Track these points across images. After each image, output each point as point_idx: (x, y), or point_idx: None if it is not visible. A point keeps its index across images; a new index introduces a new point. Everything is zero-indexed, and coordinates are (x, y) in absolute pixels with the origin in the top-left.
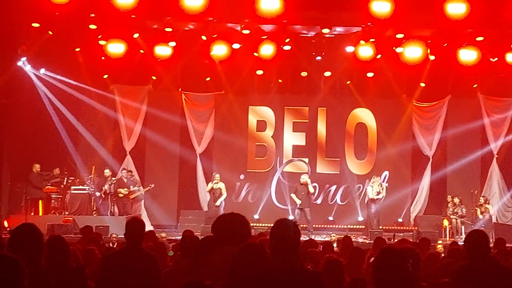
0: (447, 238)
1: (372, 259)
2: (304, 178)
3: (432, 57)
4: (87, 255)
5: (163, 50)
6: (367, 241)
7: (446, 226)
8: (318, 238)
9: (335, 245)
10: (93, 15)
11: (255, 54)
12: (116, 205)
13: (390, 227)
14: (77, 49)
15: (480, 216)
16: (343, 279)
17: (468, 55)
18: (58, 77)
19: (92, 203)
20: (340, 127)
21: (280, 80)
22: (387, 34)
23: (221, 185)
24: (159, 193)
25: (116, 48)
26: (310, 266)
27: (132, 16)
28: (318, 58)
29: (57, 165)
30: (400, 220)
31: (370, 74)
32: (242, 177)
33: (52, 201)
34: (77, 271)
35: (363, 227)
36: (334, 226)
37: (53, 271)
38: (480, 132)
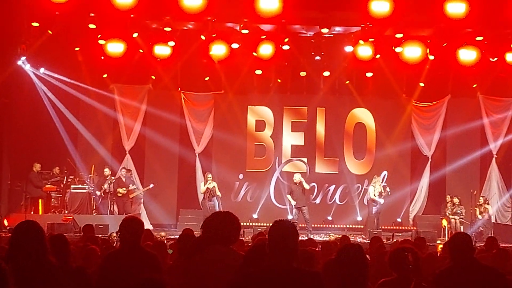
0: (446, 238)
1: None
2: (297, 177)
3: (431, 57)
4: (87, 254)
5: (163, 50)
6: (366, 241)
7: (445, 226)
8: (317, 237)
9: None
10: (92, 14)
11: (254, 53)
12: (115, 204)
13: (389, 227)
14: (77, 49)
15: (479, 216)
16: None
17: (467, 55)
18: (58, 76)
19: (92, 202)
20: (339, 127)
21: (279, 80)
22: (386, 34)
23: (214, 184)
24: (158, 192)
25: (115, 47)
26: (308, 265)
27: (132, 15)
28: (317, 58)
29: (57, 164)
30: (399, 220)
31: (369, 74)
32: (241, 176)
33: (52, 200)
34: (79, 271)
35: (362, 226)
36: (333, 226)
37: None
38: (480, 132)
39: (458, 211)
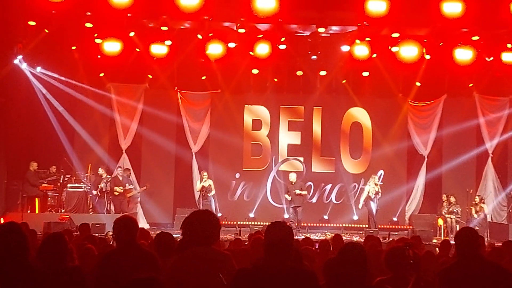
0: (442, 237)
1: None
2: (293, 177)
3: (427, 56)
4: (84, 253)
5: (159, 49)
6: (362, 240)
7: (441, 225)
8: (313, 236)
9: None
10: (89, 13)
11: (251, 53)
12: (112, 203)
13: (385, 226)
14: (73, 48)
15: (475, 215)
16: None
17: (463, 55)
18: (54, 75)
19: (89, 201)
20: (336, 126)
21: (275, 79)
22: (382, 33)
23: (210, 182)
24: (155, 191)
25: (112, 46)
26: (306, 264)
27: (128, 14)
28: (314, 57)
29: (53, 163)
30: (395, 219)
31: (365, 73)
32: (237, 175)
33: (49, 199)
34: (74, 271)
35: (358, 225)
36: (329, 225)
37: (50, 270)
38: (476, 132)
39: (454, 210)
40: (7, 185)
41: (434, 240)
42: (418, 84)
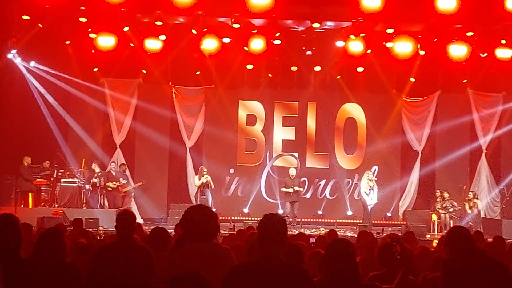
0: (436, 233)
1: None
2: (293, 172)
3: (422, 52)
4: (78, 248)
5: (153, 44)
6: (356, 235)
7: (434, 221)
8: (307, 232)
9: None
10: (83, 8)
11: (245, 48)
12: (106, 198)
13: (378, 222)
14: (67, 42)
15: (469, 211)
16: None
17: (458, 50)
18: (48, 69)
19: (82, 196)
20: (330, 122)
21: (270, 75)
22: (377, 29)
23: (208, 177)
24: (149, 186)
25: (106, 41)
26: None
27: (122, 9)
28: (308, 52)
29: (47, 158)
30: (389, 214)
31: (360, 69)
32: (231, 171)
33: (42, 193)
34: (71, 266)
35: (353, 221)
36: (323, 221)
37: (45, 266)
38: (469, 127)
39: (448, 205)
40: (0, 179)
41: (428, 236)
42: (412, 80)
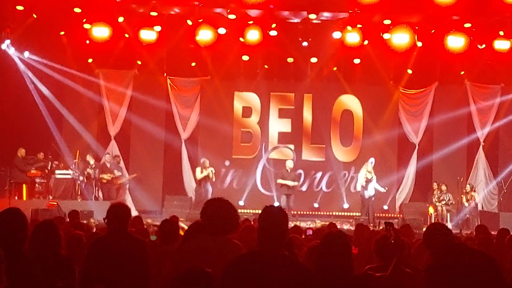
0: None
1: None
2: (290, 164)
3: (419, 44)
4: (71, 240)
5: (148, 35)
6: (352, 228)
7: (431, 214)
8: (303, 224)
9: None
10: None
11: (241, 39)
12: (100, 190)
13: (375, 214)
14: (62, 33)
15: (466, 204)
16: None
17: (455, 42)
18: (43, 60)
19: (77, 187)
20: (326, 114)
21: (266, 66)
22: (374, 20)
23: (213, 170)
24: (144, 178)
25: (101, 32)
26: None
27: None
28: (305, 44)
29: (41, 149)
30: (385, 207)
31: (357, 61)
32: (227, 163)
33: (36, 185)
34: (66, 259)
35: (349, 214)
36: (319, 213)
37: (41, 259)
38: (467, 120)
39: (445, 198)
40: None
41: (425, 229)
42: (409, 71)
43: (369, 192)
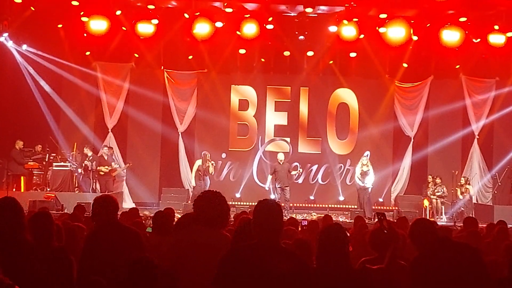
0: (427, 218)
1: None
2: (281, 157)
3: (415, 38)
4: (69, 232)
5: (146, 28)
6: (348, 221)
7: (426, 206)
8: (299, 217)
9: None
10: None
11: (238, 33)
12: (98, 182)
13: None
14: (59, 26)
15: (461, 197)
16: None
17: (451, 36)
18: (40, 53)
19: (74, 179)
20: (322, 107)
21: (262, 59)
22: (370, 14)
23: (212, 163)
24: (141, 170)
25: (98, 25)
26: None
27: None
28: (301, 37)
29: (39, 142)
30: (380, 200)
31: (353, 54)
32: (223, 155)
33: (34, 177)
34: (60, 250)
35: (345, 206)
36: (315, 206)
37: (35, 249)
38: (462, 113)
39: (440, 191)
40: None
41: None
42: (405, 65)
43: (366, 185)
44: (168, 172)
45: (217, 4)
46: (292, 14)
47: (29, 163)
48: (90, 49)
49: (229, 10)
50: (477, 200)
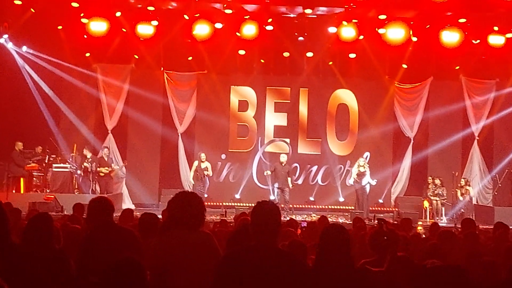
0: (427, 219)
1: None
2: (284, 158)
3: (414, 39)
4: (68, 234)
5: (146, 29)
6: (348, 222)
7: (426, 207)
8: (298, 218)
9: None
10: None
11: (238, 34)
12: (97, 183)
13: (370, 208)
14: (59, 27)
15: (461, 198)
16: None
17: (450, 37)
18: (40, 55)
19: (74, 181)
20: (322, 108)
21: (262, 60)
22: (369, 15)
23: (208, 164)
24: (140, 172)
25: (98, 26)
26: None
27: None
28: (301, 38)
29: (39, 143)
30: (380, 201)
31: (352, 55)
32: (223, 156)
33: (34, 179)
34: (60, 252)
35: (344, 207)
36: (315, 207)
37: (34, 251)
38: (462, 114)
39: (440, 192)
40: None
41: (420, 223)
42: (404, 66)
43: (363, 186)
44: (168, 173)
45: (216, 5)
46: (292, 15)
47: (29, 164)
48: (90, 50)
49: (228, 11)
50: (477, 201)
